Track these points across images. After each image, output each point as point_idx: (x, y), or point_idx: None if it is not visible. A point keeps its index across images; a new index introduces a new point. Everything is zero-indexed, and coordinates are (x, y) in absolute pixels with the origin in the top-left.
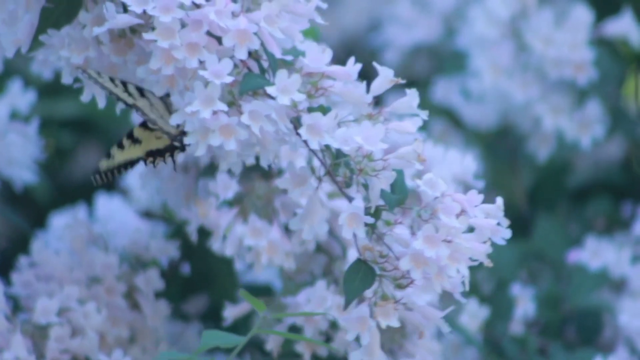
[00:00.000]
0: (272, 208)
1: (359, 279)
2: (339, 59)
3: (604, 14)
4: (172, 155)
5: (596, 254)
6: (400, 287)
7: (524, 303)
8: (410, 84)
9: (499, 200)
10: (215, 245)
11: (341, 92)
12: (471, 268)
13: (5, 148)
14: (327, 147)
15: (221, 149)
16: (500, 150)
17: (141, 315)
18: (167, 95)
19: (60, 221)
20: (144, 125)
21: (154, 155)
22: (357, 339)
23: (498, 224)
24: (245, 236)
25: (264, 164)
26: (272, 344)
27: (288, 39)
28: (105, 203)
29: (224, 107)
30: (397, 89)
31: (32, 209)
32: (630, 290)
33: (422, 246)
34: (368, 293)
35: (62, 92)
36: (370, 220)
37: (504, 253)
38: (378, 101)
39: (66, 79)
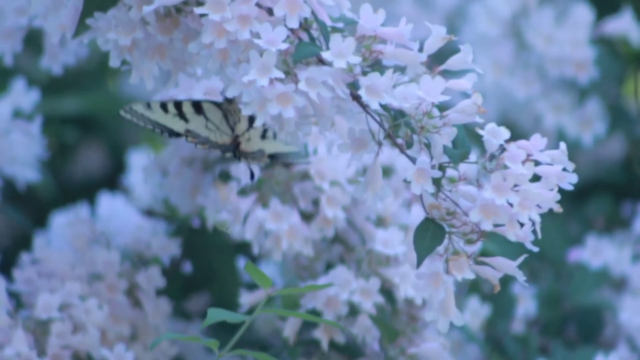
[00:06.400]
0: (291, 195)
1: (429, 237)
2: None
3: (603, 13)
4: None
5: (597, 252)
6: (470, 242)
7: (525, 302)
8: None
9: (563, 145)
10: (235, 229)
11: (395, 54)
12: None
13: (8, 146)
14: (386, 109)
15: (279, 118)
16: None
17: (142, 313)
18: (228, 100)
19: (62, 219)
20: (196, 106)
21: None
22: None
23: (564, 169)
24: (266, 220)
25: (322, 131)
26: (289, 330)
27: (336, 6)
28: (107, 202)
29: (281, 75)
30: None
31: (34, 207)
32: (630, 289)
33: (491, 195)
34: (439, 250)
35: (63, 89)
36: (439, 174)
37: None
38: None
39: (114, 62)
